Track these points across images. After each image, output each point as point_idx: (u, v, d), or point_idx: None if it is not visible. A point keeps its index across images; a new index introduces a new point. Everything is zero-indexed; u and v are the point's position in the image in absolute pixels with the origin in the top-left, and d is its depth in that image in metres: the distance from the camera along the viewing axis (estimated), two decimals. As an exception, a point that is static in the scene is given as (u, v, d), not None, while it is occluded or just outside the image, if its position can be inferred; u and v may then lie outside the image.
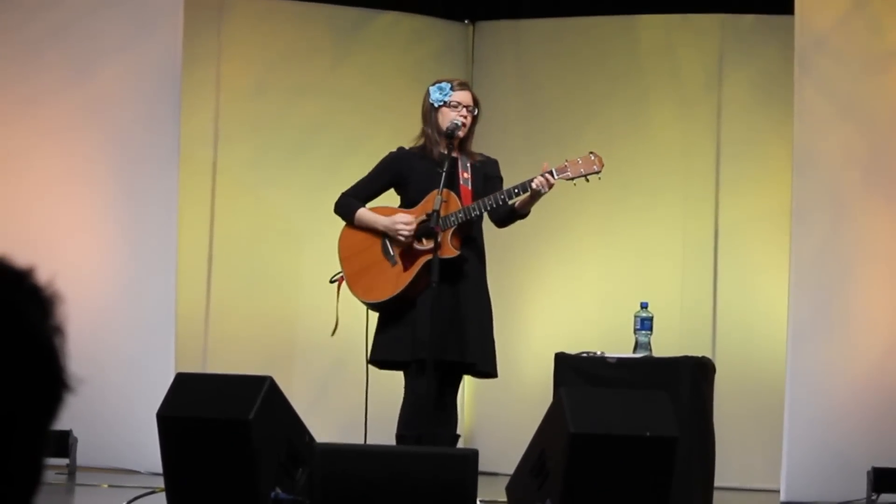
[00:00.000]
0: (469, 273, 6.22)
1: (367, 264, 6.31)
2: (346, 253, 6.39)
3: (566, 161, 6.22)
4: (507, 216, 6.30)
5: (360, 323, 6.33)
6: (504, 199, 6.14)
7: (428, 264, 6.17)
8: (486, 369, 6.26)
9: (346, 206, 6.38)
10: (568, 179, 6.21)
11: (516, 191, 6.13)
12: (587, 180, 6.25)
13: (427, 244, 6.21)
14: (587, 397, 5.83)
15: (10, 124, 8.06)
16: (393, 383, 6.39)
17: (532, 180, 6.09)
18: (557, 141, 9.04)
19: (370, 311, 6.34)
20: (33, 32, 8.08)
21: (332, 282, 6.40)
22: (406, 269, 6.25)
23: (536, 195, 6.13)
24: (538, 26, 9.32)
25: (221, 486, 5.74)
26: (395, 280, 6.25)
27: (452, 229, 6.15)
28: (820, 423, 7.63)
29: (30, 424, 1.32)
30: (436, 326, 6.02)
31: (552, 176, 6.11)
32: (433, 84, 6.35)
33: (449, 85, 6.33)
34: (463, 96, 6.32)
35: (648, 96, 9.02)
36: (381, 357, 6.28)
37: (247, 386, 5.88)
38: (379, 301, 6.27)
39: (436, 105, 6.31)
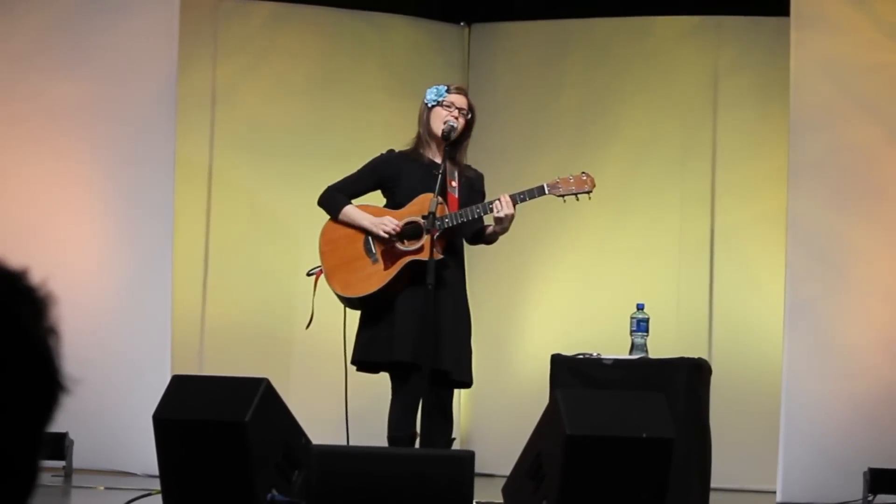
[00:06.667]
0: (449, 280, 6.21)
1: (348, 259, 6.32)
2: (326, 247, 6.40)
3: (558, 178, 6.32)
4: (473, 236, 6.37)
5: (350, 324, 6.35)
6: (478, 214, 6.17)
7: (409, 265, 6.20)
8: (461, 378, 6.27)
9: (332, 200, 6.39)
10: (558, 196, 6.29)
11: (478, 210, 6.16)
12: (577, 199, 6.32)
13: (410, 245, 6.23)
14: (583, 399, 5.83)
15: (5, 127, 8.05)
16: (380, 384, 6.41)
17: (492, 202, 6.14)
18: (553, 142, 9.05)
19: (347, 312, 6.34)
20: (28, 38, 8.07)
21: (309, 274, 6.42)
22: (387, 267, 6.26)
23: (499, 220, 6.17)
24: (534, 29, 9.32)
25: (217, 488, 5.74)
26: (374, 277, 6.26)
27: (438, 234, 6.16)
28: (816, 424, 7.63)
29: (25, 426, 1.32)
30: (426, 329, 6.02)
31: (501, 202, 6.12)
32: (431, 87, 6.39)
33: (445, 87, 6.37)
34: (457, 99, 6.34)
35: (644, 99, 9.02)
36: (360, 358, 6.29)
37: (243, 388, 5.88)
38: (356, 297, 6.28)
39: (429, 105, 6.33)
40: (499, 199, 6.16)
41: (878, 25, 7.80)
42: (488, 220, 6.30)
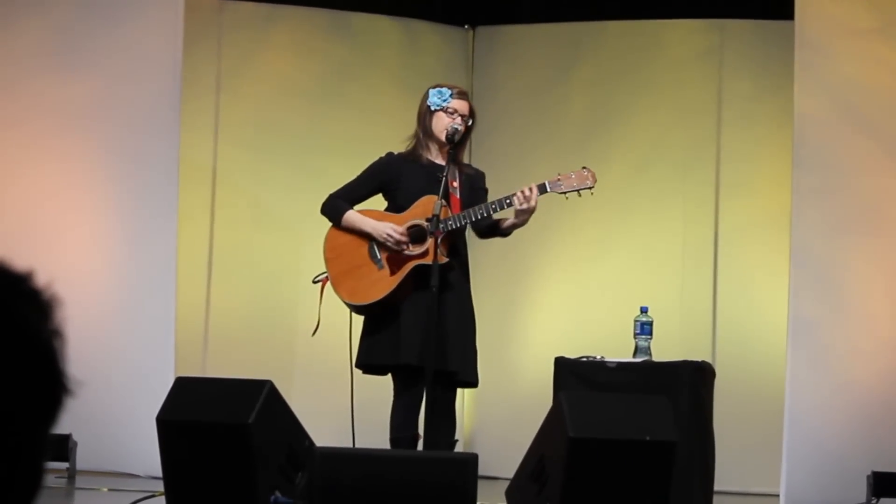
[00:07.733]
0: (453, 282, 6.21)
1: (353, 266, 6.31)
2: (331, 254, 6.39)
3: (559, 175, 6.27)
4: (487, 229, 6.35)
5: (357, 326, 6.34)
6: (490, 210, 6.16)
7: (415, 269, 6.19)
8: (467, 379, 6.27)
9: (334, 207, 6.38)
10: (560, 193, 6.25)
11: (493, 206, 6.15)
12: (579, 195, 6.28)
13: (415, 249, 6.23)
14: (587, 401, 5.83)
15: (10, 129, 8.06)
16: (381, 386, 6.41)
17: (512, 196, 6.12)
18: (557, 146, 9.05)
19: (353, 315, 6.34)
20: (31, 40, 8.08)
21: (315, 282, 6.41)
22: (392, 273, 6.25)
23: (520, 213, 6.15)
24: (538, 31, 9.33)
25: (221, 489, 5.74)
26: (381, 283, 6.25)
27: (441, 236, 6.15)
28: (820, 428, 7.63)
29: (29, 428, 1.32)
30: (430, 332, 6.02)
31: (529, 191, 6.11)
32: (433, 87, 6.37)
33: (449, 92, 6.34)
34: (460, 105, 6.32)
35: (648, 101, 9.02)
36: (366, 361, 6.29)
37: (246, 390, 5.88)
38: (364, 304, 6.27)
39: (432, 108, 6.31)
40: (522, 191, 6.12)
41: (884, 49, 7.78)
42: (499, 214, 6.26)
